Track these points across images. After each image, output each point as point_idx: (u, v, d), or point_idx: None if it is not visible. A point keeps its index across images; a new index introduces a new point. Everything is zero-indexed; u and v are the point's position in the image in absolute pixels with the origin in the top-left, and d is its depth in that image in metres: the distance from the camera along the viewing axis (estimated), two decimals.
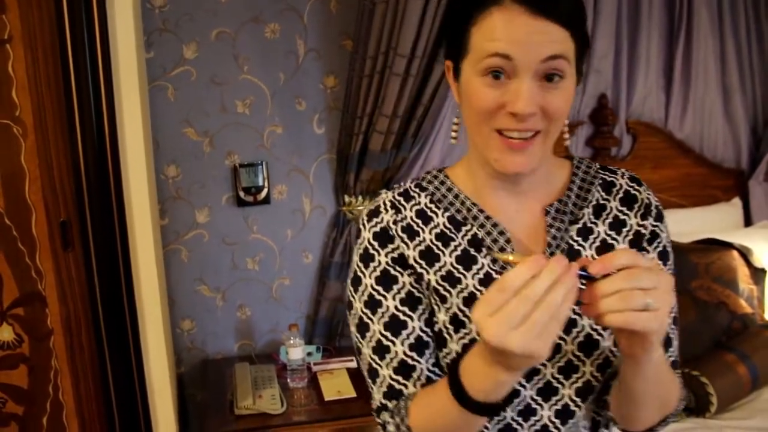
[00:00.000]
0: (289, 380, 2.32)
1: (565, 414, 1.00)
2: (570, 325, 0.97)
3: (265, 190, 2.50)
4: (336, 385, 2.31)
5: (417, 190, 1.06)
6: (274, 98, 2.45)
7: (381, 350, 0.99)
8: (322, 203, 2.57)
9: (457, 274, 0.99)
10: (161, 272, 2.23)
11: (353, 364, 2.43)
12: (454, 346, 0.98)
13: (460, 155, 2.53)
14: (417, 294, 1.00)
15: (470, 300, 0.98)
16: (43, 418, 2.13)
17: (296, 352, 2.31)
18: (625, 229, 1.04)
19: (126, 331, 1.97)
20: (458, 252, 1.01)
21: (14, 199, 1.96)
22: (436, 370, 1.00)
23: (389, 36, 2.21)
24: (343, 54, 2.47)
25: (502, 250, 0.99)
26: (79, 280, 1.98)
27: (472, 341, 0.95)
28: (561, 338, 0.97)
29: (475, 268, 1.00)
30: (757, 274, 2.57)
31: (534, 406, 0.99)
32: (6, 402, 2.09)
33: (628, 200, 1.05)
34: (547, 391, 0.99)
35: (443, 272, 1.00)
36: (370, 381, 1.02)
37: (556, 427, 1.00)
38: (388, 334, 0.99)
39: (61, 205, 1.93)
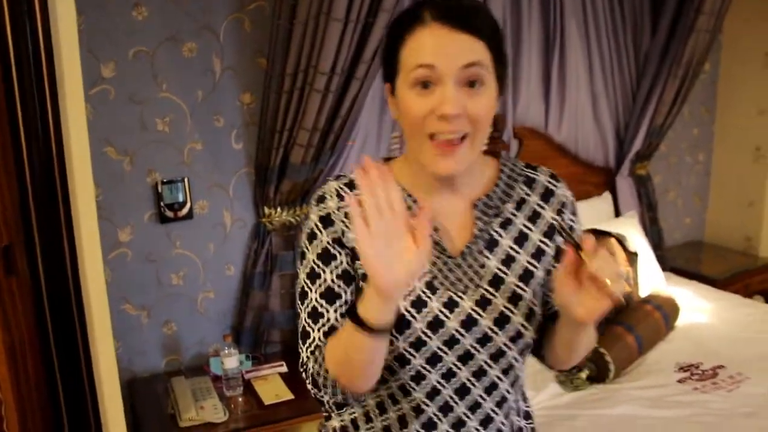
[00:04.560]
0: (225, 389, 2.38)
1: (497, 356, 1.14)
2: (498, 282, 1.14)
3: (188, 206, 2.53)
4: (272, 389, 2.40)
5: None
6: (192, 115, 2.49)
7: (315, 316, 1.13)
8: (242, 216, 2.64)
9: None
10: None
11: (284, 369, 2.53)
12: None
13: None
14: (351, 273, 1.14)
15: None
16: None
17: (232, 361, 2.37)
18: (539, 221, 1.19)
19: (78, 358, 1.93)
20: None
21: None
22: None
23: (309, 55, 2.33)
24: (257, 71, 2.55)
25: None
26: (24, 306, 1.93)
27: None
28: (491, 294, 1.13)
29: None
30: (631, 257, 2.95)
31: (473, 352, 1.13)
32: None
33: (546, 195, 1.21)
34: (484, 340, 1.13)
35: None
36: (301, 342, 1.15)
37: (489, 366, 1.14)
38: (323, 302, 1.12)
39: (2, 230, 1.87)
